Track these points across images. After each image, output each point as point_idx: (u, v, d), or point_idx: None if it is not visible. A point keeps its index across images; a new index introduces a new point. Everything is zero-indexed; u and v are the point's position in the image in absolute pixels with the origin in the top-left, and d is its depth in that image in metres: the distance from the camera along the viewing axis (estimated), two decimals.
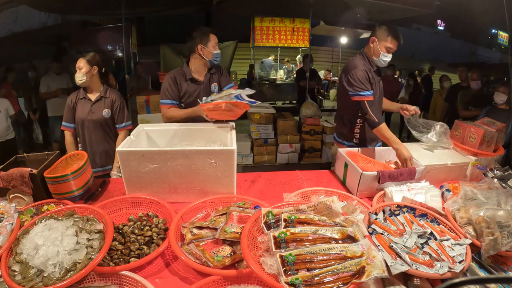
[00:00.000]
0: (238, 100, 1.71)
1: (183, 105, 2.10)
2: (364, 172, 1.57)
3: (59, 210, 1.29)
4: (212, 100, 1.80)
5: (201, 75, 2.12)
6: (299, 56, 9.46)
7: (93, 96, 2.15)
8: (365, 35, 8.13)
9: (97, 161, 2.17)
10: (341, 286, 0.89)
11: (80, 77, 2.06)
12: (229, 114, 1.79)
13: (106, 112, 2.14)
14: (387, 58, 1.95)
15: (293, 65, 9.28)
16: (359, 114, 2.03)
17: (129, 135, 1.80)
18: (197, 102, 2.00)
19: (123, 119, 2.21)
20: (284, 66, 9.24)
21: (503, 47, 9.04)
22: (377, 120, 1.86)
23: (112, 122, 2.20)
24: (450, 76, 5.61)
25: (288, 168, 4.13)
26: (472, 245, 1.16)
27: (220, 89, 2.18)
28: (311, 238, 1.02)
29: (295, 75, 8.68)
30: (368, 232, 1.13)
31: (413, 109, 2.01)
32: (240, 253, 1.07)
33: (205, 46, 2.03)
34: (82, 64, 2.05)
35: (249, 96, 1.81)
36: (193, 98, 2.08)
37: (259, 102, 1.80)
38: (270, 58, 9.43)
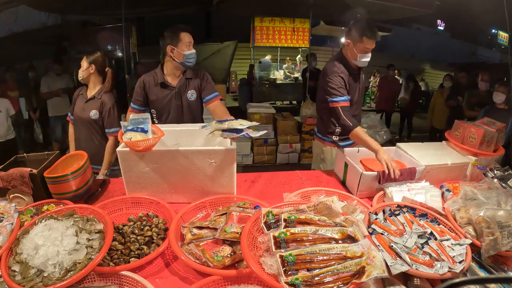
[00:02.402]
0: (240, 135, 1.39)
1: (153, 111, 2.02)
2: (364, 172, 1.57)
3: (59, 210, 1.29)
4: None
5: (174, 79, 1.99)
6: (299, 56, 9.45)
7: (89, 94, 2.17)
8: None
9: None
10: (341, 286, 0.89)
11: (79, 74, 2.14)
12: None
13: (93, 113, 2.12)
14: (367, 58, 1.87)
15: (293, 65, 9.28)
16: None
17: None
18: (169, 108, 1.95)
19: (113, 124, 2.15)
20: (284, 65, 9.23)
21: (503, 47, 9.06)
22: (351, 125, 1.83)
23: (99, 125, 2.16)
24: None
25: (288, 168, 4.13)
26: (472, 245, 1.15)
27: (200, 97, 2.03)
28: (311, 238, 1.02)
29: (296, 75, 8.67)
30: (368, 232, 1.13)
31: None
32: (240, 253, 1.07)
33: (175, 47, 1.88)
34: (82, 62, 2.12)
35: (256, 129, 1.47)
36: (164, 104, 1.98)
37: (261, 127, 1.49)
38: (267, 57, 9.43)
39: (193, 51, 1.92)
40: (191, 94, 2.02)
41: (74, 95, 2.25)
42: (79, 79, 2.16)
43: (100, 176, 2.10)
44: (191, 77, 2.02)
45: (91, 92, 2.17)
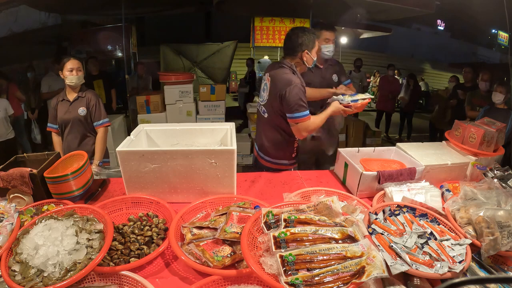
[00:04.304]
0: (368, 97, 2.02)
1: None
2: (364, 172, 1.57)
3: (59, 210, 1.29)
4: (352, 100, 1.96)
5: None
6: None
7: (71, 97, 2.27)
8: (365, 35, 8.13)
9: None
10: (341, 286, 0.89)
11: (78, 79, 2.22)
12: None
13: (81, 110, 2.23)
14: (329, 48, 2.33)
15: None
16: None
17: (108, 131, 2.02)
18: None
19: (100, 116, 2.28)
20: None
21: (503, 47, 9.05)
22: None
23: (88, 120, 2.28)
24: (447, 75, 5.62)
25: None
26: (472, 245, 1.15)
27: None
28: (311, 238, 1.02)
29: None
30: (368, 232, 1.13)
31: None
32: (240, 253, 1.07)
33: (310, 52, 1.84)
34: (80, 66, 2.20)
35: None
36: None
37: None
38: (265, 57, 9.44)
39: (316, 57, 1.93)
40: None
41: (53, 104, 2.30)
42: (76, 84, 2.23)
43: (93, 167, 2.17)
44: None
45: (73, 94, 2.28)
